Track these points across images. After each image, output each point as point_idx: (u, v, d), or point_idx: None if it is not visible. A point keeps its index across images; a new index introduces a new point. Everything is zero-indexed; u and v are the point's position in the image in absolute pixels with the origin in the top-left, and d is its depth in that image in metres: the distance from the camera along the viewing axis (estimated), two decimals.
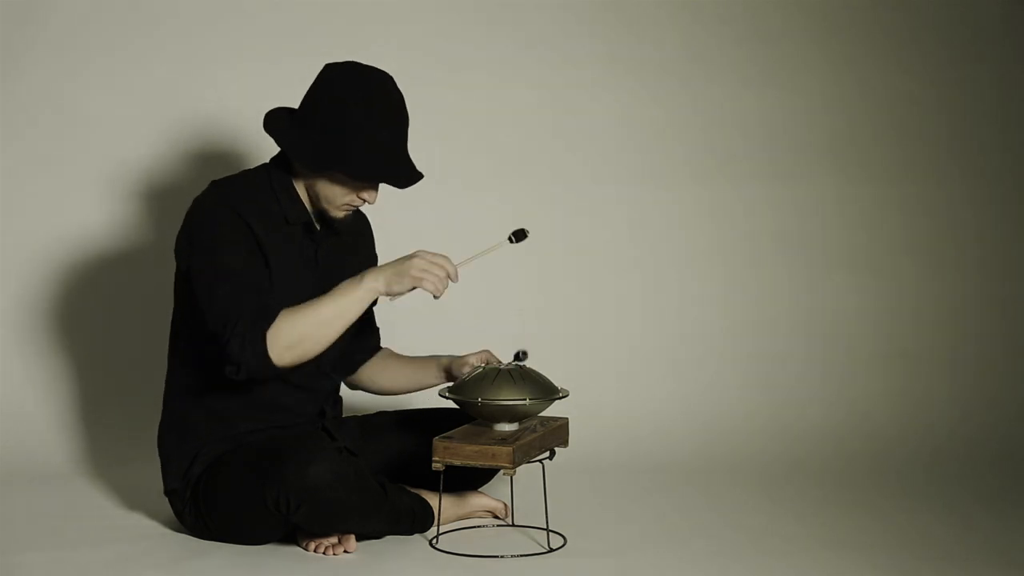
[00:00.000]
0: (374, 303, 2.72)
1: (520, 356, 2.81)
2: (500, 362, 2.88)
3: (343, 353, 2.94)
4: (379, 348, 3.09)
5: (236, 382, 2.65)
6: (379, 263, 3.02)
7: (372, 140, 2.68)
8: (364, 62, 2.77)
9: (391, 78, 2.75)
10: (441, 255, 2.67)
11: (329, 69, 2.75)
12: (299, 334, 2.61)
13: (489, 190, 3.87)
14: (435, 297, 2.68)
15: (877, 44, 3.99)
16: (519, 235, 2.84)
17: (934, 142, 4.02)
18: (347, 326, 2.67)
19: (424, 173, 2.80)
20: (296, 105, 2.82)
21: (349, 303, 2.65)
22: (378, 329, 3.08)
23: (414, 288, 2.66)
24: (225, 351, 2.60)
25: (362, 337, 3.03)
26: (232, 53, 3.71)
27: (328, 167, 2.69)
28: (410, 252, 2.67)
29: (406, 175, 2.74)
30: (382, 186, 2.81)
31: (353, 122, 2.67)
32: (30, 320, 3.64)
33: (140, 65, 3.68)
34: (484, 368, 2.81)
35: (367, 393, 3.14)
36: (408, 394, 3.13)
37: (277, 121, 2.76)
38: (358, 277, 2.67)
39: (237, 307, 2.61)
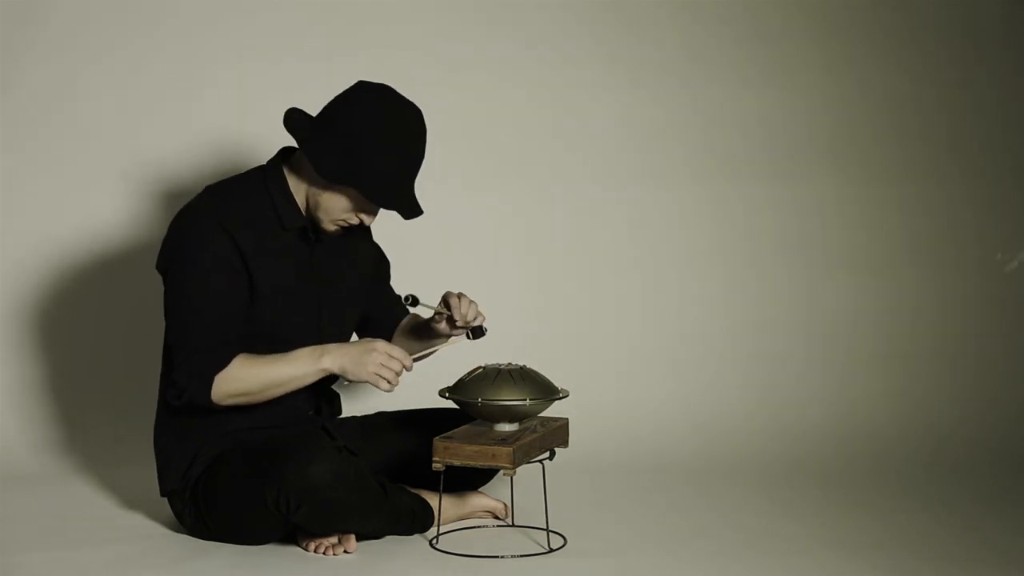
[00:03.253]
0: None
1: (409, 300, 2.84)
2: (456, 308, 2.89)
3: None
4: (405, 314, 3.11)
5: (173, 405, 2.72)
6: (376, 262, 3.03)
7: (391, 168, 2.69)
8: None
9: (421, 113, 2.77)
10: (400, 350, 2.71)
11: (364, 88, 2.74)
12: (245, 388, 2.69)
13: (489, 190, 3.87)
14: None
15: (877, 44, 3.99)
16: (477, 332, 2.88)
17: (934, 142, 4.01)
18: (292, 390, 2.73)
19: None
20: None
21: (301, 375, 2.71)
22: (398, 297, 3.08)
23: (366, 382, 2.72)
24: (173, 374, 2.69)
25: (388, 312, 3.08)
26: (232, 54, 3.71)
27: (345, 183, 2.69)
28: (371, 343, 2.70)
29: (414, 207, 2.76)
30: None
31: (379, 147, 2.68)
32: (30, 320, 3.64)
33: (140, 66, 3.67)
34: (484, 368, 2.81)
35: (360, 391, 3.14)
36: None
37: (299, 123, 2.75)
38: (319, 352, 2.71)
39: (197, 336, 2.68)
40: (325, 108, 2.75)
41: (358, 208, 2.75)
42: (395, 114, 2.71)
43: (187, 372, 2.67)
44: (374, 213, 2.77)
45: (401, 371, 2.71)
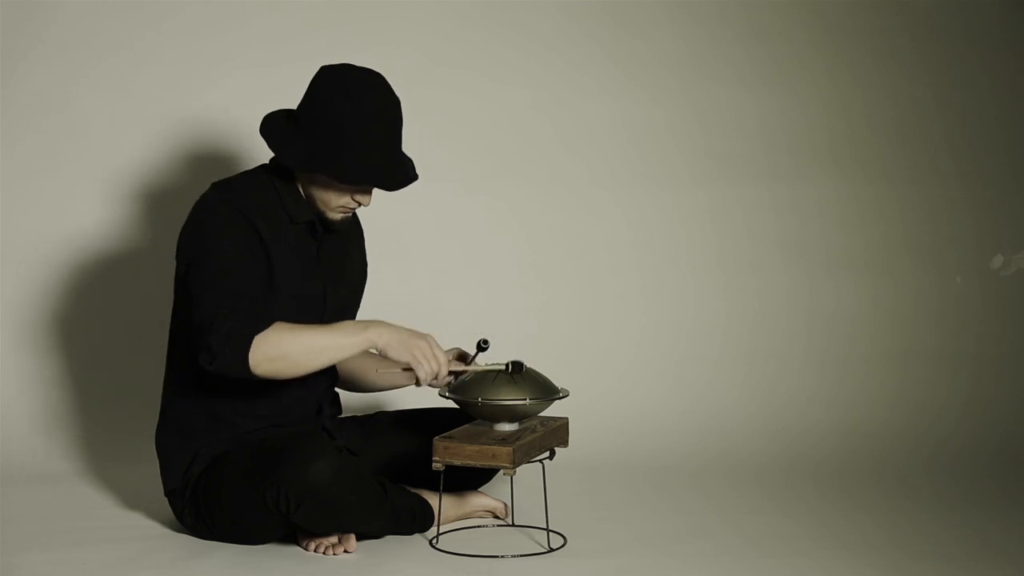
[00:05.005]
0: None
1: (481, 345, 2.81)
2: (470, 356, 2.88)
3: None
4: None
5: (207, 372, 2.60)
6: (367, 269, 3.03)
7: (359, 143, 2.68)
8: (363, 64, 2.76)
9: (382, 78, 2.74)
10: (445, 354, 2.69)
11: (322, 71, 2.75)
12: (284, 351, 2.60)
13: (488, 192, 3.87)
14: (416, 383, 2.71)
15: (876, 45, 3.99)
16: (516, 367, 2.79)
17: (934, 142, 4.01)
18: (332, 363, 2.68)
19: (419, 175, 2.80)
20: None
21: (344, 345, 2.65)
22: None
23: (406, 367, 2.68)
24: (206, 339, 2.57)
25: None
26: (231, 56, 3.71)
27: (313, 170, 2.70)
28: (425, 332, 2.69)
29: (394, 178, 2.73)
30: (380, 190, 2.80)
31: (340, 124, 2.67)
32: (31, 321, 3.64)
33: (140, 68, 3.68)
34: (484, 368, 2.81)
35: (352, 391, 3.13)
36: (380, 392, 3.14)
37: (272, 123, 2.76)
38: (364, 324, 2.68)
39: (230, 303, 2.60)
40: (299, 103, 2.76)
41: (347, 191, 2.74)
42: (351, 89, 2.69)
43: (224, 334, 2.56)
44: (367, 192, 2.76)
45: (436, 373, 2.69)
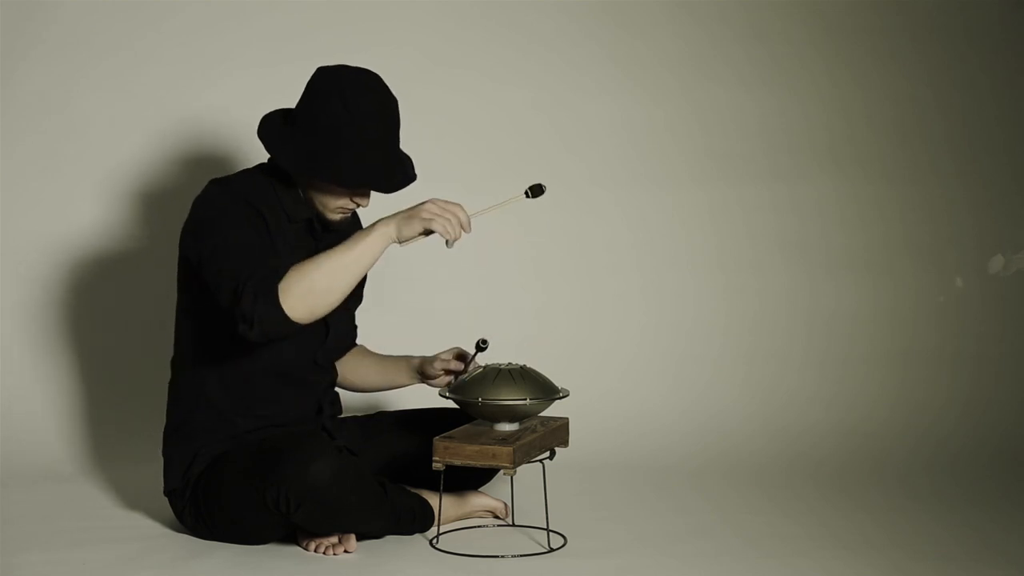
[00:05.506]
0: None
1: (480, 345, 2.81)
2: (469, 355, 2.88)
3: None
4: (354, 345, 3.08)
5: (250, 342, 2.58)
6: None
7: (356, 145, 2.67)
8: (362, 64, 2.76)
9: (378, 79, 2.73)
10: (455, 203, 2.64)
11: (318, 72, 2.74)
12: (310, 285, 2.55)
13: (488, 192, 3.86)
14: (447, 245, 2.64)
15: (876, 45, 3.99)
16: (536, 190, 2.77)
17: (934, 142, 4.02)
18: (360, 275, 2.62)
19: (419, 175, 2.80)
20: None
21: (362, 250, 2.60)
22: (356, 327, 3.07)
23: (428, 233, 2.63)
24: (238, 308, 2.54)
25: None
26: (231, 56, 3.71)
27: (311, 174, 2.69)
28: (419, 203, 2.64)
29: (392, 180, 2.73)
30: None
31: (337, 127, 2.67)
32: (32, 321, 3.64)
33: (140, 68, 3.68)
34: (484, 368, 2.81)
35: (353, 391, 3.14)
36: (380, 392, 3.14)
37: (270, 125, 2.76)
38: (367, 228, 2.64)
39: (246, 270, 2.58)
40: (296, 104, 2.76)
41: (346, 193, 2.74)
42: (346, 91, 2.68)
43: (251, 297, 2.53)
44: (365, 194, 2.76)
45: (458, 222, 2.63)
